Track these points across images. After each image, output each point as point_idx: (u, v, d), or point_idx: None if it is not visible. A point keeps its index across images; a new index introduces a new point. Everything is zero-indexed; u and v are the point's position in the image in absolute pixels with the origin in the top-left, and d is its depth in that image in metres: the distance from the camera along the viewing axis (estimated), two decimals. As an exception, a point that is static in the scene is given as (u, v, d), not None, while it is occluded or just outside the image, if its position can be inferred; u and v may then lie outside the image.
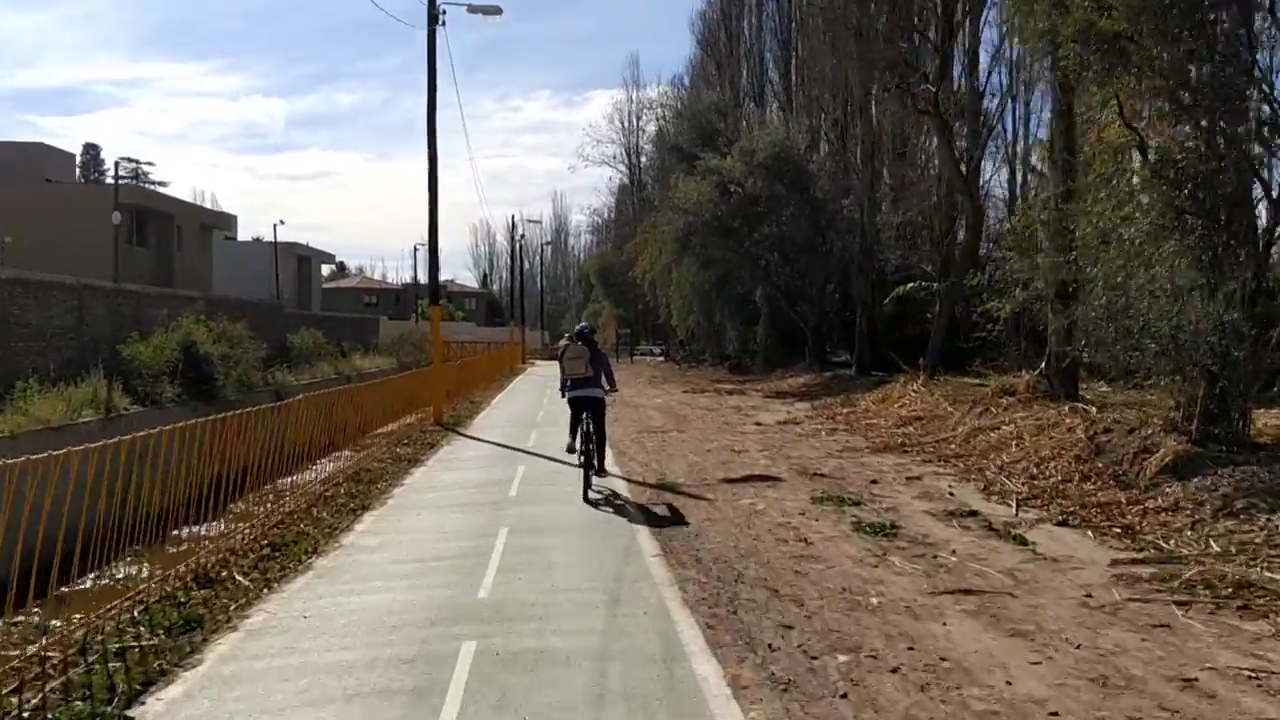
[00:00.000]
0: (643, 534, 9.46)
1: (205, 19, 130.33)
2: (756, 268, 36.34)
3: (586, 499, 11.16)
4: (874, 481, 12.40)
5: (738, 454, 15.76)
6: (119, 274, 36.08)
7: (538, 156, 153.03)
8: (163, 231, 41.25)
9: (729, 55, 54.32)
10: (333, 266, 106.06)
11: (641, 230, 43.36)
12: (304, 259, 59.41)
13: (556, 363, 13.33)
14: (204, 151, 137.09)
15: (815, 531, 9.45)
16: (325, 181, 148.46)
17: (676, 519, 10.20)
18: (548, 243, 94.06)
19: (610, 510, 10.84)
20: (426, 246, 24.46)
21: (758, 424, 21.26)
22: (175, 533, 8.45)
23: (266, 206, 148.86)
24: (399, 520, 10.67)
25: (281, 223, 63.92)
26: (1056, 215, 16.56)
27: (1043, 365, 17.46)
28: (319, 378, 32.74)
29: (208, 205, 56.65)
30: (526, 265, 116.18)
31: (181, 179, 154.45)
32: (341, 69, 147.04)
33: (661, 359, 65.01)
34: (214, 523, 8.98)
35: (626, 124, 74.18)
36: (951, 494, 11.47)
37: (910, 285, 27.18)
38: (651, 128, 65.60)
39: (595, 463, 11.58)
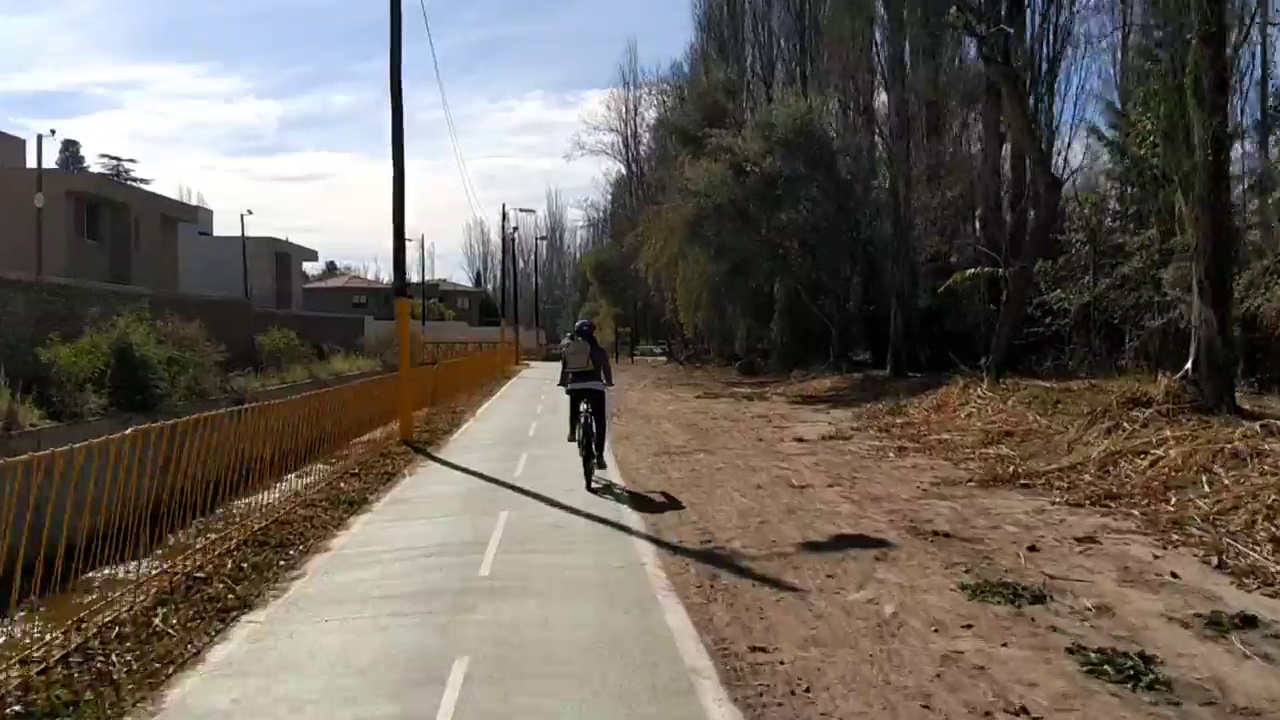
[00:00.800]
0: (708, 691, 5.12)
1: (198, 21, 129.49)
2: (774, 257, 32.11)
3: (589, 488, 11.32)
4: (1032, 549, 8.09)
5: (799, 489, 11.48)
6: (69, 268, 31.85)
7: (532, 157, 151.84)
8: (118, 223, 36.83)
9: (733, 36, 50.08)
10: (322, 266, 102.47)
11: (643, 220, 39.07)
12: (283, 255, 55.02)
13: (560, 365, 13.60)
14: (198, 154, 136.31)
15: (1021, 681, 5.14)
16: (320, 183, 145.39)
17: (757, 645, 5.86)
18: (542, 238, 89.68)
19: (639, 616, 6.51)
20: (408, 237, 20.30)
21: (799, 439, 16.99)
22: None
23: (261, 208, 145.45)
24: (277, 648, 6.16)
25: (249, 213, 59.35)
26: (1211, 161, 12.35)
27: (1188, 367, 13.19)
28: (290, 383, 28.72)
29: (195, 204, 52.10)
30: (521, 264, 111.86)
31: (173, 180, 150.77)
32: (335, 70, 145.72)
33: (664, 359, 60.75)
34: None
35: (625, 110, 69.72)
36: (1175, 577, 7.18)
37: (971, 272, 22.90)
38: (651, 114, 61.45)
39: (596, 453, 11.78)
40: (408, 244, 19.63)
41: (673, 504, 10.63)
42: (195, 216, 43.90)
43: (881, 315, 34.03)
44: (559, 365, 13.33)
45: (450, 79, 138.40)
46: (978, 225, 28.62)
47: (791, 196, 30.66)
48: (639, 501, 10.83)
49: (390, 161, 17.60)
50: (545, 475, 12.69)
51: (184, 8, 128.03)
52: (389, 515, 10.84)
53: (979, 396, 19.11)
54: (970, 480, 11.80)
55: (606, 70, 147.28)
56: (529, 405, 27.38)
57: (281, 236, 56.33)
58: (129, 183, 72.63)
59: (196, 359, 23.04)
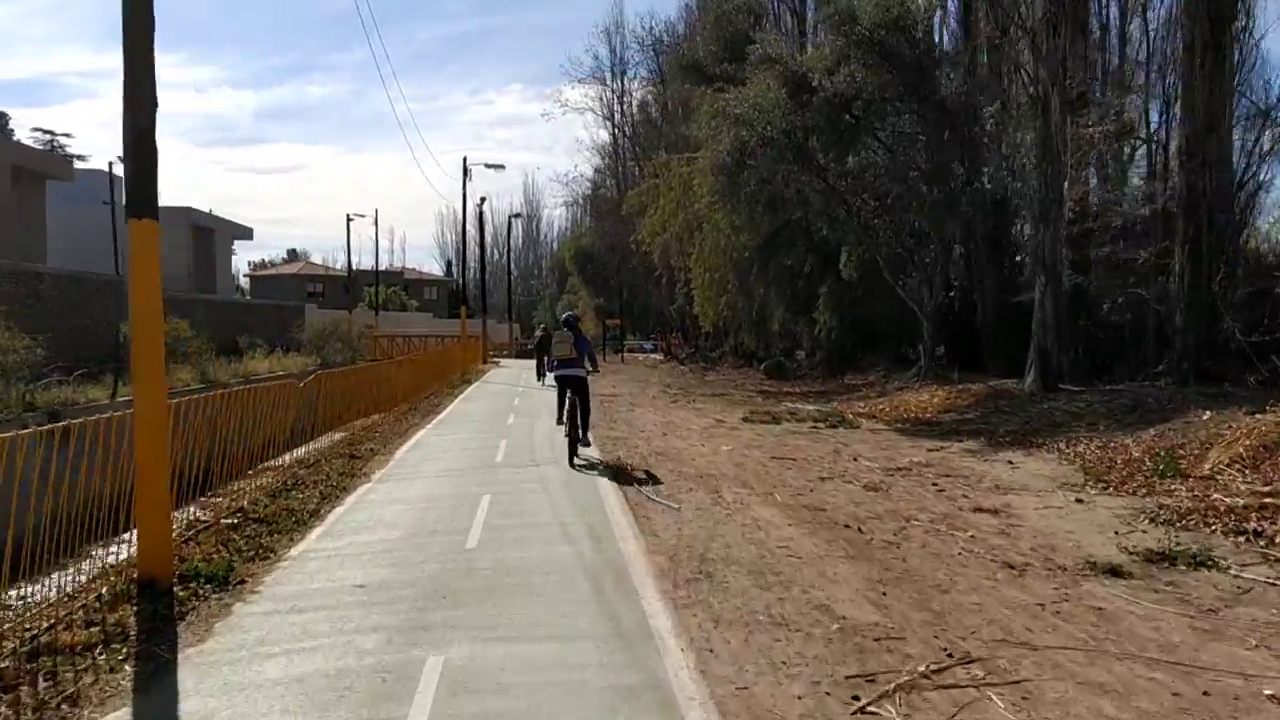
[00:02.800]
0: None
1: (173, 10, 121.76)
2: (846, 214, 21.83)
3: (572, 465, 11.57)
4: None
5: None
6: None
7: (510, 150, 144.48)
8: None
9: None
10: (283, 255, 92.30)
11: (649, 174, 28.80)
12: (204, 230, 44.12)
13: (534, 361, 13.81)
14: (173, 144, 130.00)
15: None
16: (296, 175, 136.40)
17: None
18: (516, 215, 78.72)
19: None
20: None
21: (1053, 568, 6.81)
22: None
23: (235, 200, 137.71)
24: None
25: (121, 159, 48.22)
26: None
27: None
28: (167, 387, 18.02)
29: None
30: (498, 256, 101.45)
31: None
32: (312, 61, 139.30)
33: (658, 357, 50.32)
34: None
35: (614, 55, 58.36)
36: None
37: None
38: (644, 70, 50.80)
39: (580, 434, 12.22)
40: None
41: None
42: (69, 173, 33.00)
43: (964, 302, 24.03)
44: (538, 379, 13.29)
45: (429, 71, 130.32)
46: (1165, 164, 18.55)
47: (871, 127, 20.43)
48: None
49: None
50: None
51: None
52: None
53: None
54: None
55: (586, 65, 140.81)
56: (491, 427, 17.36)
57: (204, 208, 45.48)
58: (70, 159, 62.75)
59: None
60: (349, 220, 50.70)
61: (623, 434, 15.98)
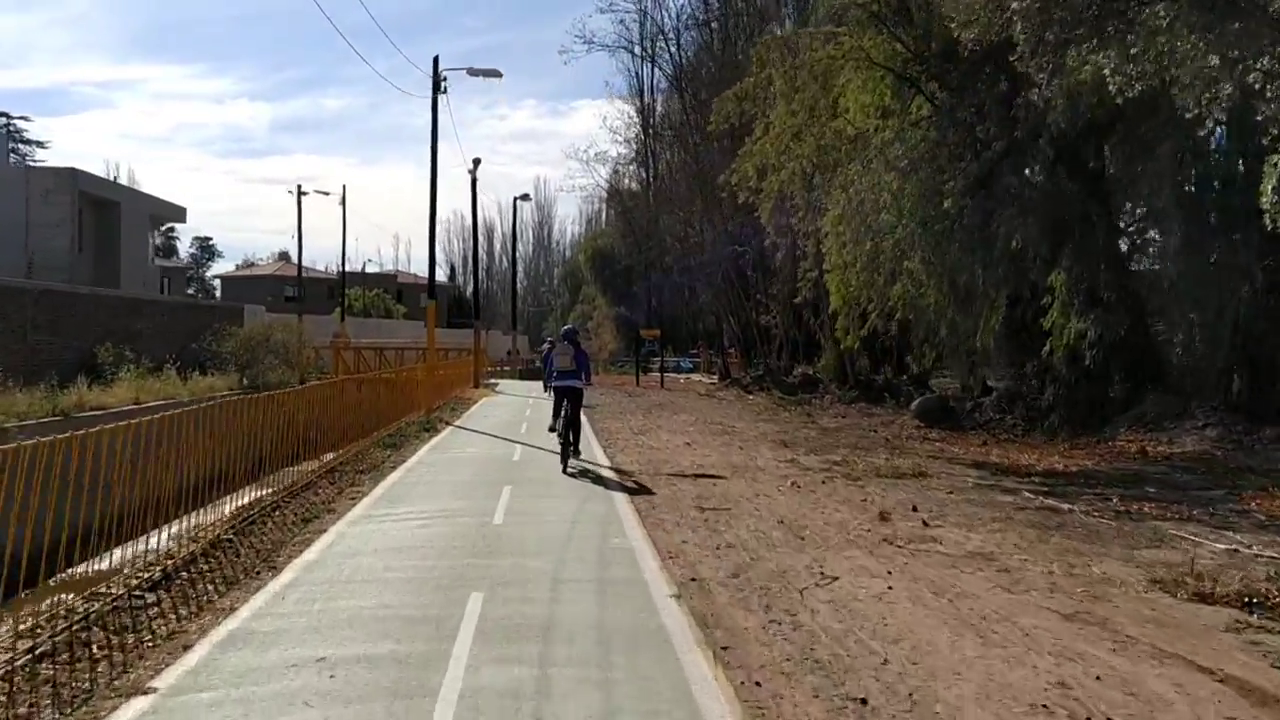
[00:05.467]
0: None
1: (191, 22, 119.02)
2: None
3: (565, 472, 11.42)
4: None
5: None
6: None
7: (523, 164, 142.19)
8: None
9: None
10: (242, 257, 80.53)
11: (757, 62, 15.85)
12: (101, 203, 31.77)
13: (542, 383, 15.33)
14: (188, 155, 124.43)
15: None
16: (310, 186, 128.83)
17: None
18: (524, 196, 65.36)
19: None
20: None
21: None
22: None
23: (250, 210, 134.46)
24: None
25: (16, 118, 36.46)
26: None
27: None
28: None
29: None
30: (505, 265, 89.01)
31: (158, 180, 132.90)
32: (328, 74, 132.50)
33: (708, 380, 37.54)
34: None
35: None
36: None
37: None
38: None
39: (573, 443, 12.01)
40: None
41: None
42: None
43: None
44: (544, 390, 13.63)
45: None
46: None
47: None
48: None
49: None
50: None
51: (178, 8, 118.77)
52: None
53: None
54: None
55: (599, 83, 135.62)
56: (459, 548, 4.41)
57: (105, 174, 33.15)
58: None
59: None
60: (300, 197, 38.01)
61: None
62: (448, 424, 18.09)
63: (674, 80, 35.89)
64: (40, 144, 64.14)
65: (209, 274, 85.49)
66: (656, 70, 38.36)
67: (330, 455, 12.20)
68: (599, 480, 11.07)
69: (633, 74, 45.64)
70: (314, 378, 27.40)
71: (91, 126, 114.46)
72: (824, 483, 11.23)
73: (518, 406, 22.89)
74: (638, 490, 10.30)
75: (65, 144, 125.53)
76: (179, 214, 37.56)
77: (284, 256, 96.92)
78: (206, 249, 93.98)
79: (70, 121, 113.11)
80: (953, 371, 16.52)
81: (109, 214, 32.00)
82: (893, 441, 16.71)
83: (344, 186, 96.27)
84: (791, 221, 15.56)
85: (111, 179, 59.00)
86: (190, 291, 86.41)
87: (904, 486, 11.01)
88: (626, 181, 59.95)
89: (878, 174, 13.93)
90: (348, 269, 73.24)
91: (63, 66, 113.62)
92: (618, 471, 11.77)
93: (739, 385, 30.64)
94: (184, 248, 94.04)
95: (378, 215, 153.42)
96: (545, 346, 34.87)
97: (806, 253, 16.25)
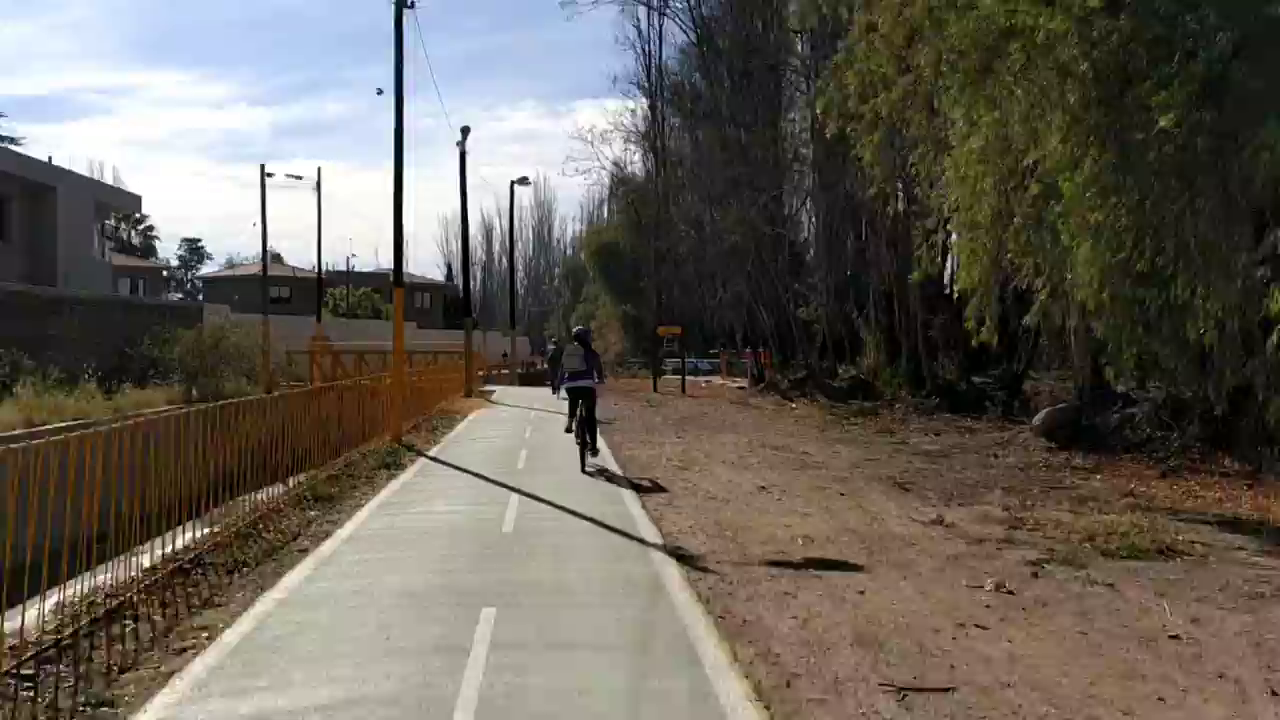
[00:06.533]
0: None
1: (191, 28, 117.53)
2: None
3: (583, 471, 11.20)
4: None
5: None
6: None
7: (523, 166, 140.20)
8: None
9: None
10: (222, 261, 76.29)
11: None
12: (35, 189, 26.95)
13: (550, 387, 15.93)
14: (189, 160, 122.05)
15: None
16: (311, 190, 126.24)
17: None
18: (521, 180, 59.66)
19: None
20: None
21: None
22: None
23: (250, 215, 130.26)
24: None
25: None
26: None
27: None
28: None
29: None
30: (506, 265, 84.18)
31: (155, 186, 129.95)
32: (328, 78, 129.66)
33: (732, 383, 32.63)
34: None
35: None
36: None
37: None
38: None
39: (590, 443, 11.81)
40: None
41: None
42: None
43: None
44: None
45: (444, 87, 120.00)
46: None
47: None
48: None
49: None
50: None
51: (179, 14, 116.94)
52: None
53: None
54: None
55: (597, 82, 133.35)
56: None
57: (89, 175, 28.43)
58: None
59: None
60: (264, 179, 32.87)
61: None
62: (420, 454, 13.20)
63: (695, 22, 30.83)
64: (13, 140, 59.36)
65: (197, 276, 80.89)
66: (667, 24, 33.37)
67: (207, 530, 7.36)
68: (655, 587, 6.15)
69: (641, 37, 40.51)
70: (287, 388, 22.62)
71: (91, 133, 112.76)
72: (1035, 577, 6.40)
73: (516, 424, 18.05)
74: (729, 620, 5.40)
75: (67, 150, 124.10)
76: (133, 202, 32.73)
77: (276, 259, 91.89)
78: (195, 250, 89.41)
79: (70, 128, 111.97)
80: (1158, 374, 11.68)
81: (43, 201, 27.14)
82: (1035, 473, 11.85)
83: (319, 170, 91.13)
84: (911, 156, 10.68)
85: (92, 177, 53.49)
86: (178, 296, 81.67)
87: (1178, 585, 6.19)
88: (631, 169, 55.23)
89: (1043, 84, 9.13)
90: (339, 269, 68.74)
91: (63, 73, 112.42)
92: (678, 558, 6.88)
93: (776, 390, 25.73)
94: (171, 249, 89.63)
95: (379, 217, 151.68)
96: (551, 348, 28.22)
97: (927, 207, 11.41)
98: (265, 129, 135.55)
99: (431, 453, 13.39)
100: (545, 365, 32.49)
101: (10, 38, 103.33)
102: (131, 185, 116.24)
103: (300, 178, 41.65)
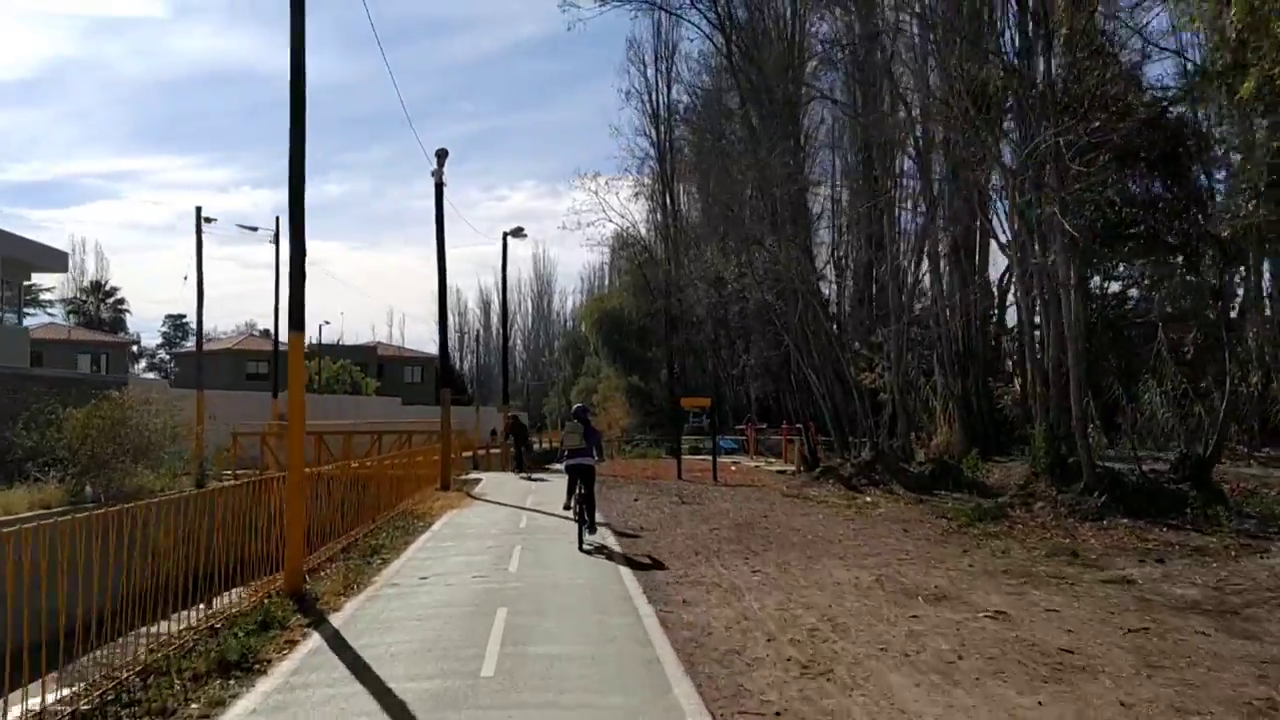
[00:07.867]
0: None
1: (196, 114, 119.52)
2: None
3: (581, 549, 11.21)
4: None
5: None
6: None
7: (522, 244, 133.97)
8: None
9: None
10: (208, 327, 70.23)
11: None
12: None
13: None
14: (193, 241, 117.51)
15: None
16: (312, 270, 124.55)
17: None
18: (515, 231, 54.02)
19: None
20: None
21: None
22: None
23: (252, 295, 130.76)
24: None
25: None
26: None
27: None
28: None
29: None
30: (500, 339, 78.96)
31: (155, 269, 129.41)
32: (328, 161, 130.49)
33: (781, 468, 26.38)
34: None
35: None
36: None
37: None
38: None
39: (588, 520, 11.88)
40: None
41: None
42: None
43: None
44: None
45: (446, 167, 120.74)
46: None
47: None
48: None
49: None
50: None
51: (182, 101, 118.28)
52: None
53: None
54: None
55: (597, 163, 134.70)
56: None
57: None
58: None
59: None
60: (200, 225, 27.39)
61: None
62: (311, 628, 7.24)
63: (718, 25, 25.67)
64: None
65: (176, 352, 75.44)
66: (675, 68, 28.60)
67: None
68: None
69: (648, 84, 35.99)
70: (230, 479, 16.74)
71: (96, 217, 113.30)
72: None
73: (499, 540, 12.10)
74: None
75: (69, 233, 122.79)
76: (56, 260, 27.26)
77: (265, 334, 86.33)
78: (179, 327, 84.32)
79: (75, 213, 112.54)
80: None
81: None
82: None
83: (277, 219, 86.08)
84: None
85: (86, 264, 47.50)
86: (152, 375, 75.93)
87: None
88: (635, 228, 50.30)
89: None
90: (325, 341, 63.08)
91: (69, 159, 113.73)
92: None
93: (836, 477, 19.83)
94: (155, 327, 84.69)
95: (380, 295, 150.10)
96: (508, 421, 26.83)
97: None
98: (268, 210, 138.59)
99: (337, 620, 7.43)
100: (508, 438, 27.03)
101: (18, 126, 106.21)
102: (133, 268, 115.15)
103: (255, 229, 36.16)
